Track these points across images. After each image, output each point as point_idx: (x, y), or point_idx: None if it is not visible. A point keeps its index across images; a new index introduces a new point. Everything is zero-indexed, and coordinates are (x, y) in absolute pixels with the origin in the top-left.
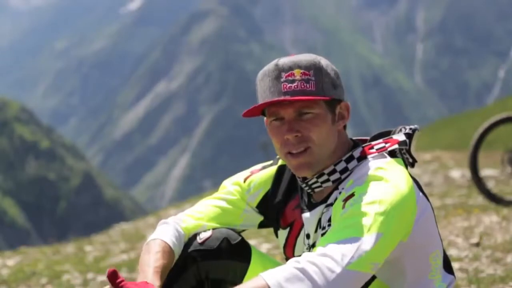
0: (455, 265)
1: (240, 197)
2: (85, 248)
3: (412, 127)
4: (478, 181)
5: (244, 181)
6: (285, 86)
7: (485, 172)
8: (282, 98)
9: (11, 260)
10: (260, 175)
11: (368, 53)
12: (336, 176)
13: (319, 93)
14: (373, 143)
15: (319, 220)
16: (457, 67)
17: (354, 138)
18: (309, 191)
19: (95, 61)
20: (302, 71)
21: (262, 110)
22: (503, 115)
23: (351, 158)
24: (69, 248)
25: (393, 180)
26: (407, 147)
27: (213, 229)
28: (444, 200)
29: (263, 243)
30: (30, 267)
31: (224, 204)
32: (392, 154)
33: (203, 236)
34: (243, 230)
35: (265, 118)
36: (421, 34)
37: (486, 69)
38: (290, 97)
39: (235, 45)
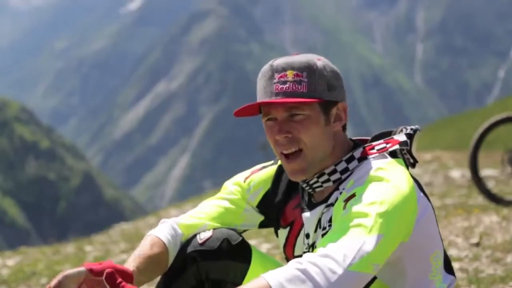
0: (455, 265)
1: (241, 196)
2: (85, 248)
3: (413, 127)
4: (478, 181)
5: (244, 181)
6: (277, 87)
7: (485, 172)
8: (273, 99)
9: (11, 260)
10: (260, 174)
11: (368, 53)
12: (336, 176)
13: (310, 95)
14: (374, 143)
15: (319, 220)
16: (457, 67)
17: (354, 138)
18: (309, 190)
19: (95, 61)
20: (295, 72)
21: (259, 109)
22: (503, 115)
23: (351, 159)
24: (69, 248)
25: (394, 180)
26: (408, 148)
27: (214, 229)
28: (444, 200)
29: (263, 243)
30: (30, 267)
31: (225, 203)
32: (393, 154)
33: (203, 236)
34: (244, 231)
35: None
36: (421, 34)
37: (486, 69)
38: (279, 99)
39: (235, 45)
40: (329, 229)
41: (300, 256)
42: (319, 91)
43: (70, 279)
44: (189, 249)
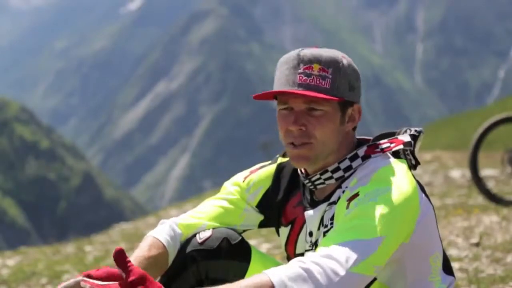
0: (455, 265)
1: (240, 196)
2: (85, 248)
3: (417, 129)
4: (478, 181)
5: (243, 181)
6: (300, 78)
7: (485, 172)
8: (294, 90)
9: (11, 260)
10: (259, 173)
11: (368, 53)
12: (339, 174)
13: (332, 92)
14: (377, 142)
15: (322, 218)
16: (457, 67)
17: (358, 137)
18: (311, 187)
19: (95, 61)
20: (320, 66)
21: (274, 95)
22: (503, 115)
23: (355, 157)
24: (69, 248)
25: (397, 181)
26: (412, 148)
27: (213, 229)
28: (444, 200)
29: (263, 243)
30: (30, 267)
31: (224, 203)
32: (396, 155)
33: (203, 236)
34: (244, 231)
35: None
36: (421, 34)
37: (486, 69)
38: (302, 91)
39: (235, 45)
40: (331, 227)
41: (302, 254)
42: (341, 90)
43: None
44: (189, 248)
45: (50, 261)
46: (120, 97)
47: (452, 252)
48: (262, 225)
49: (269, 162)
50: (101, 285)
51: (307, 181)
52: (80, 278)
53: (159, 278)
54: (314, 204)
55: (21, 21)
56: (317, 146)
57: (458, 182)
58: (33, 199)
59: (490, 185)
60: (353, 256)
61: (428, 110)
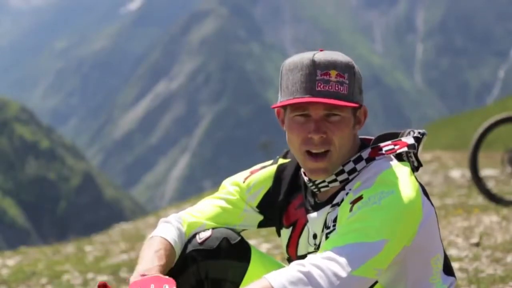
0: (455, 265)
1: (240, 197)
2: (85, 248)
3: (421, 131)
4: (478, 181)
5: (244, 181)
6: (319, 85)
7: (485, 172)
8: (320, 99)
9: (11, 260)
10: (259, 174)
11: (368, 53)
12: (344, 176)
13: (349, 98)
14: (381, 144)
15: (325, 220)
16: (457, 67)
17: (360, 137)
18: (315, 190)
19: (95, 61)
20: (337, 72)
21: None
22: (503, 115)
23: (359, 159)
24: (69, 248)
25: (400, 184)
26: (415, 151)
27: (213, 228)
28: (444, 200)
29: (263, 243)
30: (30, 267)
31: (223, 203)
32: (399, 157)
33: (202, 236)
34: (243, 230)
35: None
36: (421, 34)
37: (486, 69)
38: (326, 99)
39: (235, 45)
40: (333, 229)
41: (304, 256)
42: (356, 94)
43: None
44: (189, 248)
45: (50, 261)
46: (120, 97)
47: (452, 252)
48: (261, 225)
49: (270, 162)
50: None
51: (311, 184)
52: None
53: None
54: (317, 207)
55: (21, 21)
56: (334, 153)
57: (458, 182)
58: (33, 199)
59: (490, 185)
60: (355, 259)
61: (428, 110)
